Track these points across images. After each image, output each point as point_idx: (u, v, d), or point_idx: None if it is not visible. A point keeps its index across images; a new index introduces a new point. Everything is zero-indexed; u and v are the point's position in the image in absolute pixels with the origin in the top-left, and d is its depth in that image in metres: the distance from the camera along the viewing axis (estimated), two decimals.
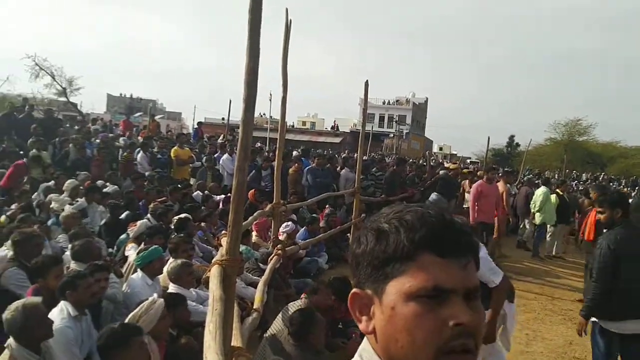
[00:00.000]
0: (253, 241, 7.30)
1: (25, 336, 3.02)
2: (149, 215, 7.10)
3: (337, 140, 50.37)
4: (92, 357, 3.52)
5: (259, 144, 20.12)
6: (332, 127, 56.75)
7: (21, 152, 10.67)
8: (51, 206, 7.55)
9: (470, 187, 11.42)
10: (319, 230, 8.48)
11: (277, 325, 4.08)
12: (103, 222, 7.33)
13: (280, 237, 6.64)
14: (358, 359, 0.90)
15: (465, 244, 0.85)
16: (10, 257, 4.65)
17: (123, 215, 7.38)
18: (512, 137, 58.26)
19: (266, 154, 12.88)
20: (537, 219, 11.21)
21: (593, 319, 4.23)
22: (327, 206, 9.79)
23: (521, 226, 12.67)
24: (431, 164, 16.44)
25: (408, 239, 0.83)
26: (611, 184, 25.94)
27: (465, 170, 14.47)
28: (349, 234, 9.08)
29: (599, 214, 4.45)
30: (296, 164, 10.91)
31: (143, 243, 5.67)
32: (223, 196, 9.36)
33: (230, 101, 18.72)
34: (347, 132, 52.48)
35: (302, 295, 4.61)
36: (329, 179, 10.82)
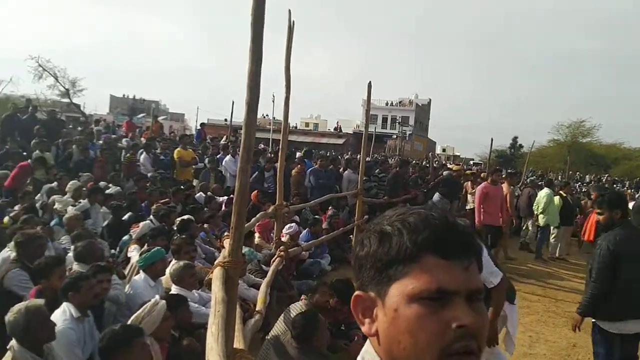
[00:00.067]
0: (256, 243, 7.30)
1: (27, 338, 3.02)
2: (151, 216, 7.11)
3: (340, 141, 50.40)
4: (94, 359, 3.52)
5: (261, 146, 20.11)
6: (335, 128, 56.79)
7: (24, 153, 10.69)
8: (54, 207, 7.57)
9: (473, 189, 11.43)
10: (321, 231, 8.48)
11: (279, 327, 4.07)
12: (105, 223, 7.35)
13: (283, 239, 6.64)
14: None
15: (468, 246, 0.85)
16: (13, 258, 4.67)
17: (125, 217, 7.40)
18: (515, 139, 58.27)
19: (269, 155, 12.86)
20: (541, 220, 11.18)
21: (594, 320, 4.24)
22: (329, 207, 9.78)
23: (524, 227, 12.65)
24: (434, 165, 16.46)
25: (411, 241, 0.83)
26: (615, 185, 25.87)
27: (468, 172, 14.47)
28: (351, 236, 9.07)
29: (598, 215, 4.44)
30: (299, 166, 10.90)
31: (146, 244, 5.67)
32: (226, 197, 9.37)
33: (233, 102, 18.76)
34: (350, 134, 52.54)
35: (302, 297, 4.60)
36: (331, 181, 10.81)
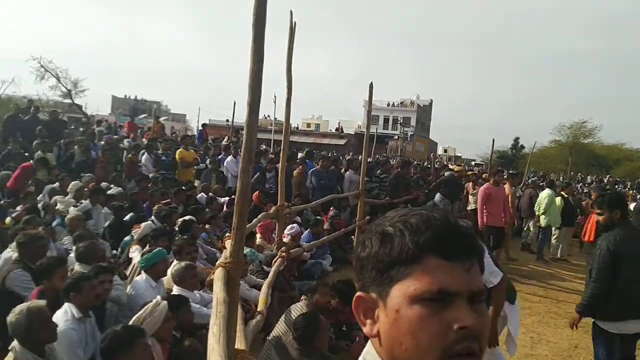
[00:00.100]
0: (257, 243, 7.30)
1: (29, 339, 3.03)
2: (153, 217, 7.10)
3: (342, 142, 50.40)
4: (96, 359, 3.53)
5: (263, 146, 20.13)
6: (337, 129, 56.79)
7: (26, 154, 10.71)
8: (56, 208, 7.58)
9: (474, 190, 11.43)
10: (323, 232, 8.48)
11: (279, 327, 4.07)
12: (107, 224, 7.35)
13: (285, 239, 6.63)
14: None
15: (470, 247, 0.86)
16: (15, 258, 4.67)
17: (127, 217, 7.40)
18: (516, 140, 58.21)
19: (270, 156, 12.87)
20: (542, 221, 11.17)
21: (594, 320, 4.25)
22: (331, 208, 9.77)
23: (525, 228, 12.64)
24: (436, 166, 16.44)
25: (413, 242, 0.83)
26: (616, 186, 25.83)
27: (469, 173, 14.46)
28: (353, 236, 9.07)
29: (598, 215, 4.45)
30: (300, 166, 10.90)
31: (147, 245, 5.67)
32: (227, 198, 9.36)
33: (235, 103, 18.78)
34: (352, 134, 52.52)
35: (302, 297, 4.60)
36: (333, 181, 10.81)
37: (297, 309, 4.28)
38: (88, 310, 3.74)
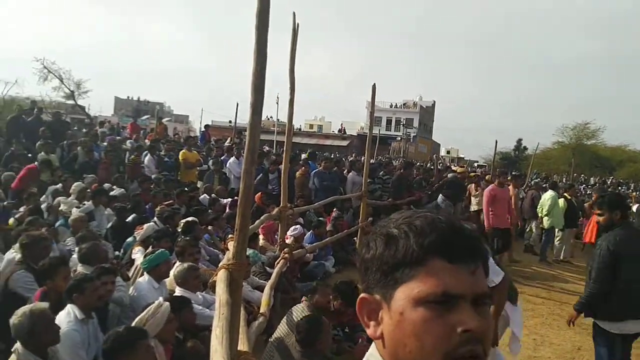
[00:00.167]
0: (260, 245, 7.29)
1: (32, 341, 3.03)
2: (155, 218, 7.09)
3: (345, 143, 50.37)
4: None
5: (266, 147, 20.14)
6: (339, 130, 56.77)
7: (29, 155, 10.73)
8: (59, 209, 7.58)
9: (477, 191, 11.42)
10: (325, 233, 8.47)
11: (281, 329, 4.06)
12: (110, 225, 7.35)
13: (287, 241, 6.63)
14: None
15: (474, 250, 0.85)
16: (18, 259, 4.68)
17: (130, 218, 7.40)
18: (519, 141, 58.06)
19: (273, 157, 12.87)
20: (545, 223, 11.15)
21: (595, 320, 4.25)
22: (334, 210, 9.77)
23: (527, 230, 12.61)
24: (438, 167, 16.43)
25: (417, 244, 0.83)
26: (620, 188, 25.79)
27: (472, 174, 14.44)
28: (356, 238, 9.06)
29: (598, 216, 4.47)
30: (303, 167, 10.90)
31: (150, 246, 5.67)
32: (230, 199, 9.36)
33: (238, 104, 18.81)
34: (354, 135, 52.49)
35: (303, 298, 4.59)
36: (336, 183, 10.81)
37: (298, 310, 4.28)
38: (91, 311, 3.74)
